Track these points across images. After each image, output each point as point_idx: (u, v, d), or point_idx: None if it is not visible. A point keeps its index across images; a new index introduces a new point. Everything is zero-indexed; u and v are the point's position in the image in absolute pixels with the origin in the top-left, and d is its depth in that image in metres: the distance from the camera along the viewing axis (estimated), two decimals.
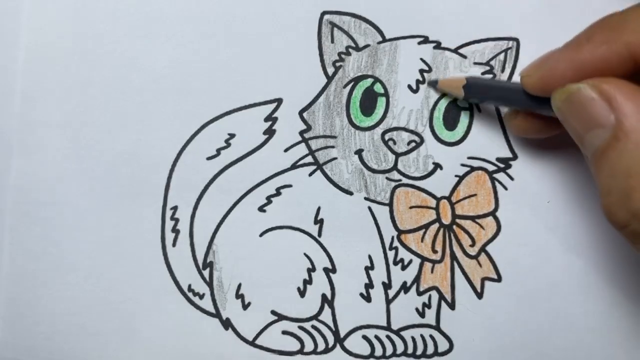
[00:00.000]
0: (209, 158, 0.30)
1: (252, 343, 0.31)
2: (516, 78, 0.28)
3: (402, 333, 0.31)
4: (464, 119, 0.30)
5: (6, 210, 0.30)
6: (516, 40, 0.29)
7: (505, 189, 0.30)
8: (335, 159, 0.30)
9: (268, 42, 0.30)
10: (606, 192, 0.22)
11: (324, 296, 0.31)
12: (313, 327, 0.31)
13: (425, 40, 0.29)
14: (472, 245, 0.30)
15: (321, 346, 0.31)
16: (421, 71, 0.29)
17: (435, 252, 0.30)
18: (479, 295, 0.30)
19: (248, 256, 0.31)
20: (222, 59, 0.30)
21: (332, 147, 0.30)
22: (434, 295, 0.30)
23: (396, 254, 0.30)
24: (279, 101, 0.30)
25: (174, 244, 0.31)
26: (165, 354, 0.31)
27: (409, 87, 0.30)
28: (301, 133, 0.30)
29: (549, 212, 0.30)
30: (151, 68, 0.30)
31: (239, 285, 0.31)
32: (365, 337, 0.31)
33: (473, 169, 0.30)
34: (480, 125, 0.30)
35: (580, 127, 0.23)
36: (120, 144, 0.30)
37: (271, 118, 0.30)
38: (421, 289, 0.30)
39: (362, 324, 0.31)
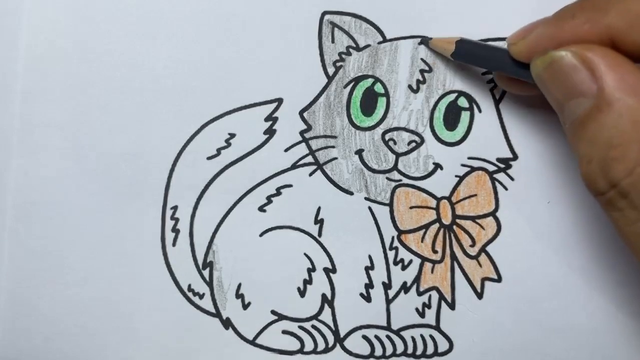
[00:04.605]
0: (209, 158, 0.30)
1: (252, 342, 0.31)
2: None
3: (402, 333, 0.31)
4: (464, 119, 0.30)
5: (6, 210, 0.30)
6: None
7: (506, 189, 0.30)
8: (335, 159, 0.30)
9: (268, 42, 0.30)
10: (586, 161, 0.22)
11: (324, 296, 0.31)
12: (313, 326, 0.31)
13: (426, 40, 0.29)
14: (472, 245, 0.30)
15: (321, 346, 0.31)
16: (422, 71, 0.29)
17: (435, 252, 0.30)
18: (479, 295, 0.30)
19: (248, 256, 0.31)
20: (222, 59, 0.30)
21: (333, 147, 0.30)
22: (434, 295, 0.30)
23: (396, 254, 0.30)
24: (279, 101, 0.30)
25: (174, 244, 0.31)
26: (165, 354, 0.31)
27: (410, 87, 0.29)
28: (301, 133, 0.30)
29: (549, 212, 0.30)
30: (151, 68, 0.30)
31: (239, 285, 0.31)
32: (365, 337, 0.31)
33: (473, 169, 0.30)
34: (480, 125, 0.30)
35: (560, 95, 0.23)
36: (120, 144, 0.30)
37: (271, 118, 0.30)
38: (421, 289, 0.30)
39: (362, 324, 0.31)
